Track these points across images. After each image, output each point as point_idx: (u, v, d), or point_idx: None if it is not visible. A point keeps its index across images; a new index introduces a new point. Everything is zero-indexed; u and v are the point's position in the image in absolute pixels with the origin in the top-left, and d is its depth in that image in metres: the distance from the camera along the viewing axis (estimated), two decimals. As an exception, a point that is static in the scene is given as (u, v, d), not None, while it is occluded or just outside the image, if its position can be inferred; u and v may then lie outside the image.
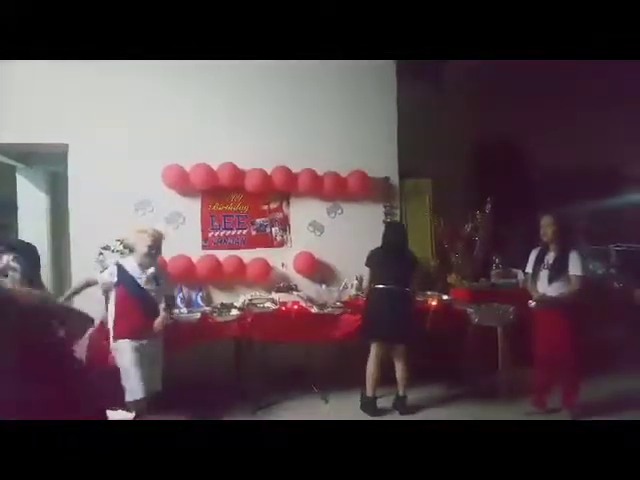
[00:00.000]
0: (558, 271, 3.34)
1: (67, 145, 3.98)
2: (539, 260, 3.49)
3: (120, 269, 3.13)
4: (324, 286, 4.38)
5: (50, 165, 4.86)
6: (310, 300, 4.22)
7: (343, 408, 3.67)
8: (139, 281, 3.13)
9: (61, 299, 3.15)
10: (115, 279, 3.13)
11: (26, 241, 3.05)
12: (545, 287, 3.40)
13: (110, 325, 3.16)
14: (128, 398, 3.05)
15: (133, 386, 3.05)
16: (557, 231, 3.38)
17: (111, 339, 3.15)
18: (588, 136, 6.50)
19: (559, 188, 6.26)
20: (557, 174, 6.50)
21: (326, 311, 3.95)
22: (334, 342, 3.95)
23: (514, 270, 4.69)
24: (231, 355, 4.08)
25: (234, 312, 3.87)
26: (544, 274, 3.41)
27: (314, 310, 3.96)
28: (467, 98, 6.07)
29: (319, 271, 4.46)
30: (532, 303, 3.40)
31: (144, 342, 3.11)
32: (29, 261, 2.97)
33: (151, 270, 3.17)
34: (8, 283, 2.72)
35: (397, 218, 4.73)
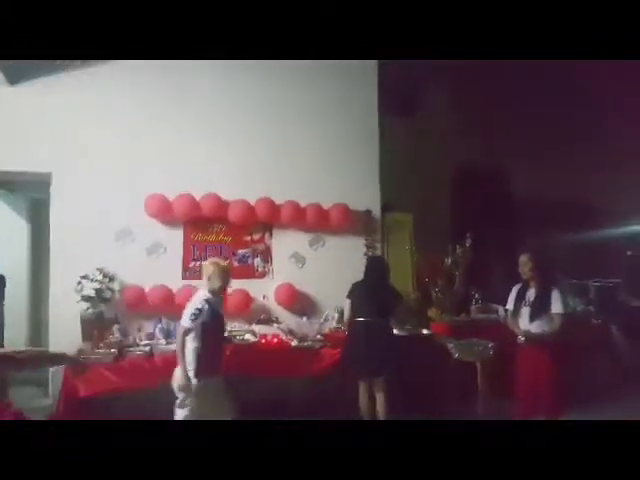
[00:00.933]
0: (539, 309, 3.37)
1: (50, 173, 3.99)
2: (520, 297, 3.52)
3: (209, 303, 2.96)
4: (305, 318, 4.37)
5: (32, 192, 4.85)
6: (290, 332, 4.20)
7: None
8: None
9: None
10: (204, 317, 2.92)
11: None
12: (526, 324, 3.42)
13: (190, 362, 2.94)
14: None
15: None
16: (535, 269, 3.44)
17: (185, 377, 2.92)
18: (569, 171, 6.71)
19: (539, 223, 6.42)
20: (537, 210, 6.66)
21: (306, 344, 3.93)
22: (314, 376, 3.90)
23: (494, 305, 4.74)
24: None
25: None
26: (525, 311, 3.44)
27: (294, 343, 3.93)
28: (449, 133, 6.26)
29: (300, 303, 4.46)
30: (522, 339, 3.40)
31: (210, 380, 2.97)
32: None
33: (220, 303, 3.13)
34: None
35: (378, 251, 4.79)
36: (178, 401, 2.97)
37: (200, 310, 2.92)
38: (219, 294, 3.10)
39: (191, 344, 2.94)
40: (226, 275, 3.07)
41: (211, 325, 2.96)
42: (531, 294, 3.45)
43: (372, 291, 3.65)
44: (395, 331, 3.84)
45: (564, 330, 3.34)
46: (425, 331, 4.30)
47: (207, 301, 2.97)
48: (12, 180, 4.55)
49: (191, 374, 2.91)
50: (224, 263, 3.18)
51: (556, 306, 3.34)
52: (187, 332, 2.93)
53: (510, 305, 3.61)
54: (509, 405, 3.66)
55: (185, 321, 2.92)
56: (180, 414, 2.94)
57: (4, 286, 3.05)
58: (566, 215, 6.65)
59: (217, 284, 3.02)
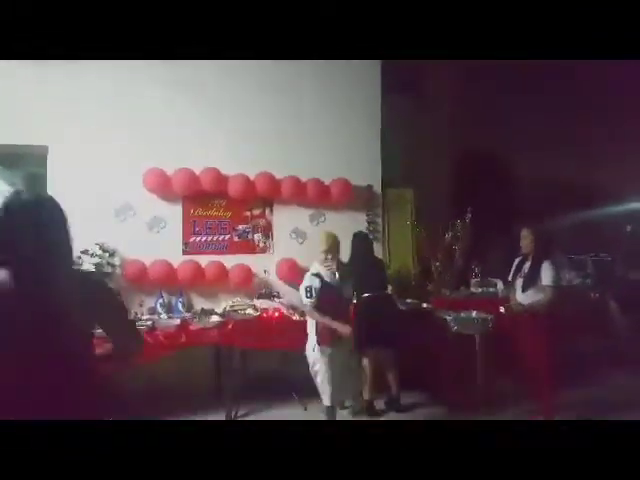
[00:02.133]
0: (530, 280, 3.47)
1: (47, 147, 3.92)
2: (518, 269, 3.64)
3: (320, 278, 3.08)
4: (306, 293, 4.37)
5: (29, 167, 4.78)
6: (292, 307, 4.22)
7: (322, 415, 3.66)
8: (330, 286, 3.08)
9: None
10: (317, 292, 3.06)
11: None
12: (519, 295, 3.54)
13: (311, 333, 3.16)
14: (325, 403, 3.16)
15: (326, 392, 3.12)
16: (534, 242, 3.52)
17: (311, 347, 3.14)
18: (569, 148, 6.68)
19: (538, 198, 6.41)
20: (537, 185, 6.65)
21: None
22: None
23: (493, 279, 4.76)
24: (211, 362, 4.05)
25: (215, 318, 3.84)
26: (519, 282, 3.56)
27: (295, 317, 3.95)
28: (450, 108, 6.18)
29: (301, 278, 4.45)
30: (501, 309, 3.56)
31: (336, 349, 3.09)
32: None
33: (334, 272, 3.13)
34: None
35: (379, 226, 4.78)
36: (311, 369, 3.17)
37: (310, 286, 3.06)
38: (332, 265, 3.13)
39: (313, 318, 3.13)
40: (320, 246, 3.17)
41: (326, 298, 3.05)
42: (526, 267, 3.55)
43: (363, 266, 3.68)
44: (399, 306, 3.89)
45: (555, 302, 3.40)
46: (425, 305, 4.32)
47: (317, 275, 3.09)
48: (8, 153, 4.47)
49: (315, 345, 3.10)
50: (323, 233, 3.29)
51: (546, 278, 3.41)
52: (309, 308, 3.11)
53: (510, 277, 3.74)
54: (508, 379, 3.74)
55: (303, 300, 3.11)
56: (317, 381, 3.16)
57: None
58: (566, 191, 6.65)
59: (335, 254, 3.13)
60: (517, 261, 3.70)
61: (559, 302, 3.44)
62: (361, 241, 3.94)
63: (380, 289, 3.64)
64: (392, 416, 3.66)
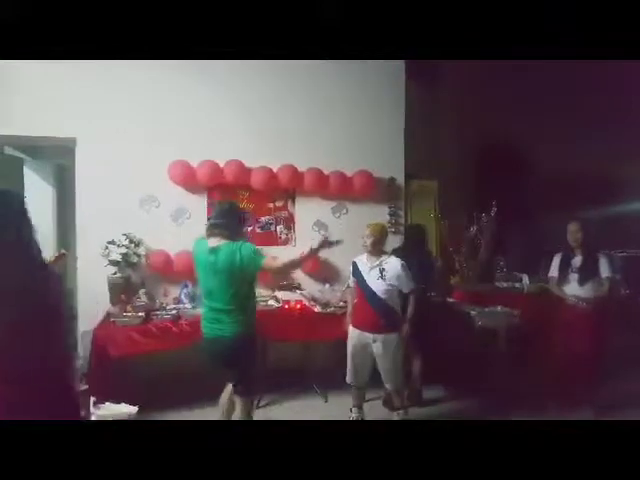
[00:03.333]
0: (588, 273, 3.51)
1: (75, 139, 4.00)
2: (565, 264, 3.63)
3: (354, 266, 3.26)
4: (327, 285, 4.38)
5: (57, 158, 4.89)
6: (313, 299, 4.23)
7: (343, 407, 3.67)
8: (363, 274, 3.17)
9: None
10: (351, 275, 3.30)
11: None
12: (576, 289, 3.53)
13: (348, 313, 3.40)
14: (347, 380, 3.31)
15: (348, 371, 3.28)
16: (584, 236, 3.54)
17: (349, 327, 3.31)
18: (596, 140, 6.48)
19: (563, 192, 6.25)
20: (562, 178, 6.48)
21: (329, 310, 3.95)
22: (335, 341, 3.94)
23: (518, 274, 4.68)
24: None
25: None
26: (573, 277, 3.56)
27: (317, 309, 3.96)
28: (475, 100, 6.06)
29: (323, 270, 4.46)
30: (572, 300, 3.53)
31: (368, 335, 3.15)
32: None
33: (375, 263, 3.16)
34: None
35: (402, 219, 4.73)
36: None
37: (350, 271, 3.31)
38: (373, 251, 3.19)
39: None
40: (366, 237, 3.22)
41: (356, 282, 3.25)
42: (577, 261, 3.56)
43: (412, 258, 3.62)
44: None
45: (613, 294, 3.55)
46: (448, 299, 4.27)
47: (353, 262, 3.28)
48: (37, 146, 4.58)
49: (349, 328, 3.27)
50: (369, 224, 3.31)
51: (604, 270, 3.46)
52: (350, 290, 3.41)
53: (554, 272, 3.69)
54: (533, 374, 3.68)
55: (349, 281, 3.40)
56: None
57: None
58: (592, 185, 6.47)
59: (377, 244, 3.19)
60: (560, 256, 3.69)
61: (615, 295, 3.60)
62: (414, 232, 3.97)
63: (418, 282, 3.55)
64: (411, 412, 3.61)
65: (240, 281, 2.55)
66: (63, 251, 3.00)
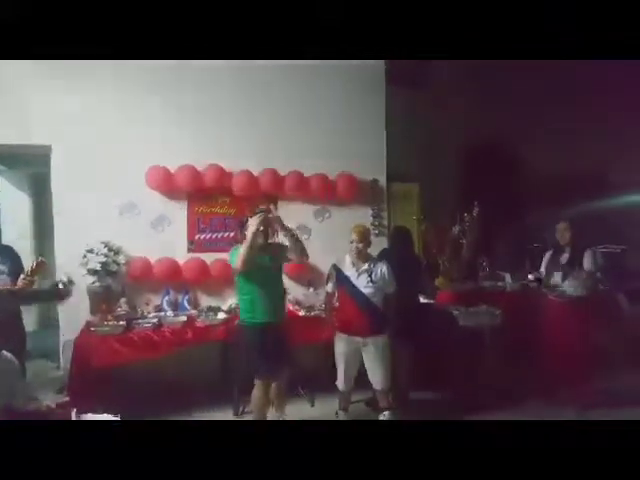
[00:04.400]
0: (571, 268, 3.63)
1: (50, 147, 3.92)
2: (554, 262, 3.77)
3: (337, 270, 3.19)
4: (311, 289, 4.36)
5: (33, 167, 4.79)
6: (297, 303, 4.21)
7: (329, 411, 3.64)
8: (352, 279, 3.11)
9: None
10: (334, 280, 3.21)
11: (3, 244, 3.05)
12: (559, 284, 3.65)
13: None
14: (337, 385, 3.26)
15: (339, 377, 3.23)
16: (572, 234, 3.67)
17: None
18: (576, 139, 6.58)
19: (546, 191, 6.34)
20: (544, 177, 6.57)
21: (313, 314, 3.93)
22: (321, 344, 3.92)
23: (501, 273, 4.72)
24: (217, 359, 4.04)
25: (221, 315, 3.83)
26: (558, 274, 3.68)
27: (301, 313, 3.93)
28: (455, 101, 6.13)
29: (306, 274, 4.44)
30: (551, 296, 3.65)
31: (358, 339, 3.12)
32: (12, 262, 2.98)
33: (363, 267, 3.11)
34: None
35: (385, 221, 4.74)
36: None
37: (328, 276, 3.24)
38: (361, 256, 3.15)
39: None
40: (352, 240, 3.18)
41: (342, 287, 3.19)
42: (564, 258, 3.69)
43: (399, 259, 3.61)
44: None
45: (595, 288, 3.66)
46: (431, 300, 4.28)
47: (334, 267, 3.21)
48: (11, 154, 4.49)
49: (336, 334, 3.23)
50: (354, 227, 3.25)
51: (588, 264, 3.57)
52: (329, 295, 3.31)
53: (542, 268, 3.84)
54: (515, 373, 3.71)
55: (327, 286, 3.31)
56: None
57: (18, 256, 3.12)
58: (574, 183, 6.57)
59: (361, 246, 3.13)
60: (550, 253, 3.84)
61: (596, 289, 3.67)
62: (401, 235, 3.90)
63: (408, 284, 3.52)
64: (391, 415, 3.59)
65: None
66: (42, 259, 2.94)
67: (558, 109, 6.50)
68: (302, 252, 3.07)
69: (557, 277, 3.68)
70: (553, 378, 3.57)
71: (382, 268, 3.14)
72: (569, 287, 3.59)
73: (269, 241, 3.13)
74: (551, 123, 6.54)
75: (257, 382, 3.07)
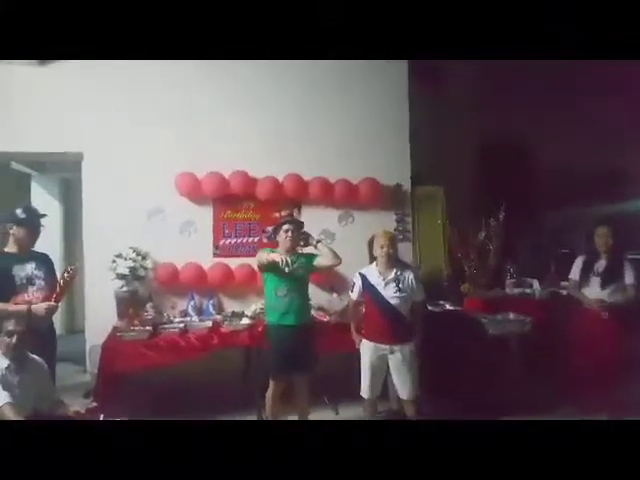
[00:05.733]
0: (611, 278, 3.47)
1: (81, 153, 4.01)
2: (588, 267, 3.60)
3: (363, 278, 3.15)
4: (335, 295, 4.34)
5: (64, 172, 4.91)
6: (321, 309, 4.19)
7: (355, 419, 3.61)
8: (378, 288, 3.08)
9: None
10: (360, 288, 3.16)
11: (40, 251, 3.12)
12: (597, 293, 3.50)
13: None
14: (362, 394, 3.19)
15: (364, 386, 3.17)
16: (612, 241, 3.51)
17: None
18: (605, 144, 6.40)
19: (574, 195, 6.17)
20: (572, 181, 6.40)
21: (335, 319, 3.90)
22: (345, 351, 3.89)
23: (529, 279, 4.61)
24: (241, 364, 4.05)
25: (245, 321, 3.85)
26: (595, 281, 3.53)
27: (325, 319, 3.92)
28: (481, 104, 6.02)
29: (330, 280, 4.42)
30: (594, 305, 3.48)
31: (385, 347, 3.08)
32: (47, 269, 3.05)
33: (390, 275, 3.09)
34: (34, 291, 2.82)
35: (409, 226, 4.69)
36: None
37: (354, 283, 3.19)
38: (390, 261, 3.10)
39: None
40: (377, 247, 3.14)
41: (368, 295, 3.13)
42: (600, 265, 3.53)
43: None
44: (429, 307, 3.79)
45: (635, 302, 3.44)
46: (457, 307, 4.21)
47: (361, 275, 3.16)
48: (44, 161, 4.61)
49: (362, 342, 3.18)
50: (379, 234, 3.20)
51: (630, 277, 3.43)
52: (355, 303, 3.27)
53: (575, 275, 3.68)
54: (545, 382, 3.60)
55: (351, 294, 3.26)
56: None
57: (52, 263, 3.21)
58: (599, 188, 6.38)
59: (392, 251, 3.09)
60: (583, 259, 3.67)
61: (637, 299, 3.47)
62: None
63: None
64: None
65: None
66: (71, 267, 2.99)
67: (586, 107, 6.32)
68: (334, 256, 3.19)
69: (595, 285, 3.53)
70: (585, 390, 3.45)
71: (410, 276, 3.10)
72: (609, 297, 3.44)
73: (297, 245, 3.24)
74: (577, 122, 6.37)
75: (271, 382, 3.16)
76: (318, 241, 3.36)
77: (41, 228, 3.11)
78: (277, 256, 2.99)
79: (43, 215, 3.17)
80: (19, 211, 2.99)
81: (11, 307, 2.72)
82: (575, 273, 3.69)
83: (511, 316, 3.92)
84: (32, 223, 3.03)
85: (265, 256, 3.06)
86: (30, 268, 2.96)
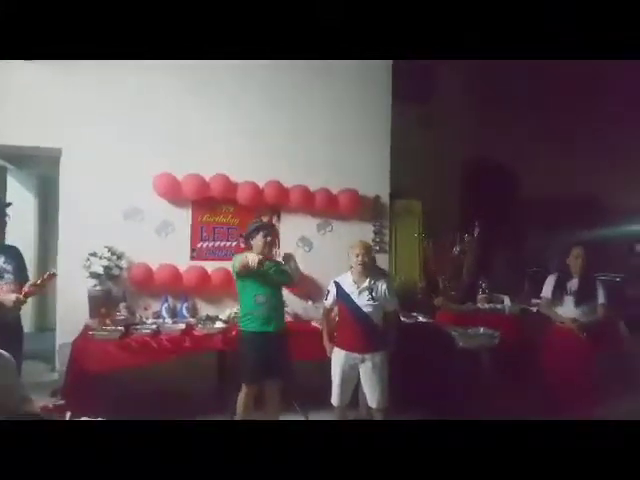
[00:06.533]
0: (584, 298, 3.56)
1: (60, 149, 3.97)
2: (560, 286, 3.67)
3: (338, 286, 3.17)
4: (310, 302, 4.37)
5: (42, 169, 4.84)
6: (296, 316, 4.21)
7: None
8: (352, 296, 3.10)
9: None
10: (334, 296, 3.19)
11: (8, 244, 3.07)
12: (571, 311, 3.58)
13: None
14: (332, 401, 3.21)
15: (334, 393, 3.19)
16: (585, 261, 3.60)
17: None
18: (578, 167, 6.60)
19: (549, 214, 6.36)
20: (547, 199, 6.59)
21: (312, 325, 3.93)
22: (318, 359, 3.91)
23: (500, 295, 4.72)
24: (212, 368, 4.03)
25: (219, 324, 3.84)
26: (568, 299, 3.60)
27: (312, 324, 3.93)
28: (460, 121, 6.18)
29: (306, 287, 4.45)
30: (567, 323, 3.55)
31: (356, 356, 3.10)
32: (17, 263, 3.00)
33: (364, 284, 3.10)
34: (3, 285, 2.77)
35: (386, 238, 4.77)
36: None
37: (329, 291, 3.24)
38: (365, 270, 3.13)
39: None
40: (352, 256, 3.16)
41: (342, 303, 3.17)
42: (573, 284, 3.61)
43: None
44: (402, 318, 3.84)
45: (606, 321, 3.56)
46: (429, 320, 4.29)
47: (335, 283, 3.20)
48: (22, 155, 4.54)
49: (334, 349, 3.21)
50: (356, 244, 3.22)
51: (602, 297, 3.54)
52: (327, 311, 3.34)
53: (547, 293, 3.75)
54: (514, 395, 3.67)
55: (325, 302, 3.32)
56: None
57: (23, 257, 3.14)
58: (572, 210, 6.58)
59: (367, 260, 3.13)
60: (555, 277, 3.74)
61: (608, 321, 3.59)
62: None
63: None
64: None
65: None
66: (54, 271, 2.95)
67: (562, 128, 6.51)
68: (296, 270, 3.26)
69: (569, 304, 3.61)
70: (557, 399, 3.53)
71: (383, 285, 3.15)
72: (583, 316, 3.52)
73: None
74: (557, 140, 6.56)
75: (243, 387, 3.17)
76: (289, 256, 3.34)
77: (7, 218, 3.04)
78: (253, 255, 2.99)
79: (8, 204, 3.11)
80: None
81: None
82: (547, 291, 3.75)
83: (481, 330, 4.01)
84: None
85: (241, 258, 3.06)
86: None
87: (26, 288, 2.81)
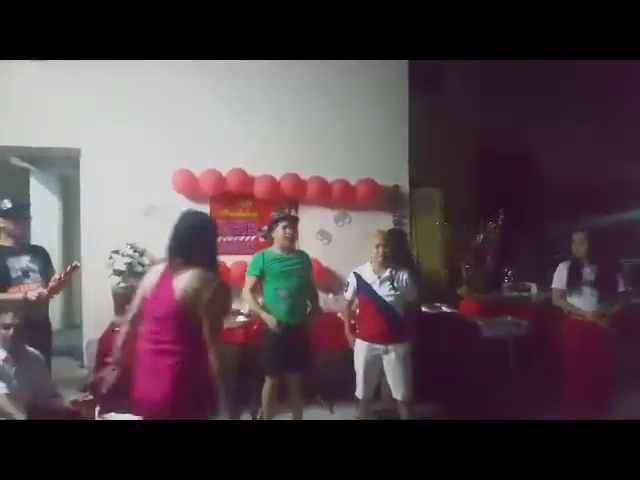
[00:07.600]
0: (606, 288, 3.29)
1: (79, 150, 4.02)
2: (575, 275, 3.36)
3: (358, 277, 3.16)
4: (331, 295, 4.34)
5: (63, 168, 4.92)
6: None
7: (349, 418, 3.60)
8: (374, 286, 3.08)
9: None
10: (355, 287, 3.18)
11: (35, 244, 3.13)
12: (592, 304, 3.29)
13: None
14: (356, 394, 3.19)
15: (358, 386, 3.16)
16: (590, 248, 3.33)
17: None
18: (603, 146, 6.40)
19: (571, 200, 6.16)
20: (571, 184, 6.39)
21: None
22: (340, 350, 3.89)
23: (526, 283, 4.60)
24: (235, 362, 4.04)
25: (240, 318, 3.84)
26: (587, 291, 3.31)
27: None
28: (481, 107, 6.03)
29: (326, 279, 4.42)
30: (600, 322, 3.27)
31: (379, 347, 3.08)
32: (44, 262, 3.06)
33: (385, 274, 3.09)
34: (29, 283, 2.83)
35: (406, 227, 4.69)
36: None
37: (348, 283, 3.23)
38: (386, 260, 3.11)
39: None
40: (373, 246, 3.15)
41: (363, 294, 3.14)
42: (589, 273, 3.32)
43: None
44: (423, 309, 3.78)
45: (627, 309, 3.31)
46: (454, 310, 4.21)
47: (355, 274, 3.18)
48: (42, 156, 4.62)
49: (356, 341, 3.17)
50: (375, 234, 3.21)
51: (621, 285, 3.30)
52: (349, 303, 3.30)
53: (561, 284, 3.43)
54: (541, 385, 3.59)
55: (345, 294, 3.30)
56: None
57: (49, 256, 3.21)
58: (598, 194, 6.36)
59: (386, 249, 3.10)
60: (567, 266, 3.41)
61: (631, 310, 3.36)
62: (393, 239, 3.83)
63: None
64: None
65: None
66: (76, 263, 3.00)
67: (586, 111, 6.31)
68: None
69: (588, 296, 3.31)
70: (583, 392, 3.41)
71: (404, 275, 3.10)
72: (603, 308, 3.25)
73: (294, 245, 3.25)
74: (577, 126, 6.37)
75: (267, 380, 3.19)
76: None
77: (30, 219, 3.09)
78: (269, 319, 3.07)
79: (29, 205, 3.17)
80: (4, 202, 2.95)
81: (4, 296, 2.73)
82: (561, 282, 3.42)
83: (509, 318, 3.91)
84: (18, 213, 2.99)
85: (252, 303, 3.19)
86: (25, 261, 2.96)
87: (51, 283, 2.86)
